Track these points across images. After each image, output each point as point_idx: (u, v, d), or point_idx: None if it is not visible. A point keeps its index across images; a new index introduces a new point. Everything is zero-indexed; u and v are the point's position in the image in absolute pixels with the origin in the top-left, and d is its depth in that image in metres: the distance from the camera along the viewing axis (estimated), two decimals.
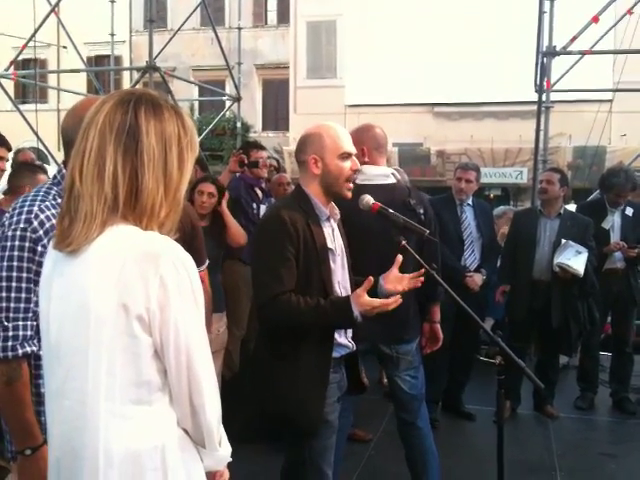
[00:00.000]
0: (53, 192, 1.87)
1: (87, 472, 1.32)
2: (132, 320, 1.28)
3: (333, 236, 2.60)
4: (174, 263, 1.30)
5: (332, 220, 2.62)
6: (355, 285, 2.58)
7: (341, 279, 2.60)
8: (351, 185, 2.58)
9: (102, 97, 1.43)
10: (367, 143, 3.27)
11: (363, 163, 3.07)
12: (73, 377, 1.33)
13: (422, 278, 2.47)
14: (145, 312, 1.28)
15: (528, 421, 5.02)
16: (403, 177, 3.83)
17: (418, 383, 3.30)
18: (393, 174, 3.26)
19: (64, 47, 12.70)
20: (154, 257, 1.29)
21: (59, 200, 1.80)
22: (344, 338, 2.61)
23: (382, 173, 3.23)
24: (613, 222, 5.22)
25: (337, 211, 2.64)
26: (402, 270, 2.53)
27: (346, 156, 2.55)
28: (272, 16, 23.07)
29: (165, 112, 1.39)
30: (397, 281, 2.47)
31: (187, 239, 3.21)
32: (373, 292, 2.42)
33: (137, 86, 8.81)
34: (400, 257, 2.47)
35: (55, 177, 1.93)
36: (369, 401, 4.57)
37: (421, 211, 3.16)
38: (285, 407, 2.47)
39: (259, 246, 2.56)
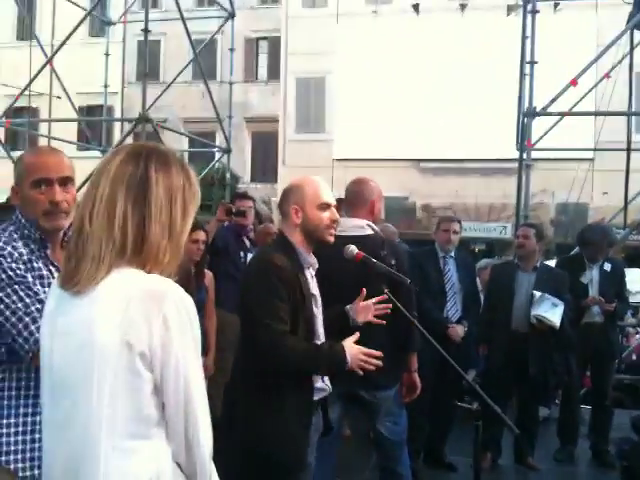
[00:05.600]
0: (11, 228, 2.07)
1: None
2: (135, 357, 1.37)
3: (314, 283, 2.72)
4: (176, 304, 1.40)
5: (311, 269, 2.73)
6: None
7: (320, 325, 2.71)
8: (333, 232, 2.70)
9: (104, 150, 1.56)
10: (346, 197, 3.51)
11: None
12: (76, 411, 1.41)
13: (390, 305, 2.60)
14: (147, 350, 1.37)
15: (508, 472, 5.06)
16: (388, 230, 3.97)
17: (399, 429, 3.37)
18: (369, 225, 3.40)
19: (58, 97, 12.91)
20: (158, 298, 1.39)
21: (15, 236, 2.02)
22: (321, 382, 2.68)
23: (356, 225, 3.37)
24: (592, 277, 5.37)
25: (315, 261, 2.75)
26: (380, 318, 2.69)
27: (325, 206, 2.67)
28: (262, 71, 23.65)
29: (173, 166, 1.52)
30: (366, 311, 2.61)
31: (184, 283, 3.32)
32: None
33: (129, 137, 9.00)
34: (364, 290, 2.64)
35: (11, 218, 2.12)
36: (354, 451, 4.61)
37: (392, 262, 3.24)
38: (270, 447, 2.51)
39: (254, 288, 2.61)
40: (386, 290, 2.67)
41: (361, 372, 2.51)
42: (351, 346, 2.49)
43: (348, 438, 4.67)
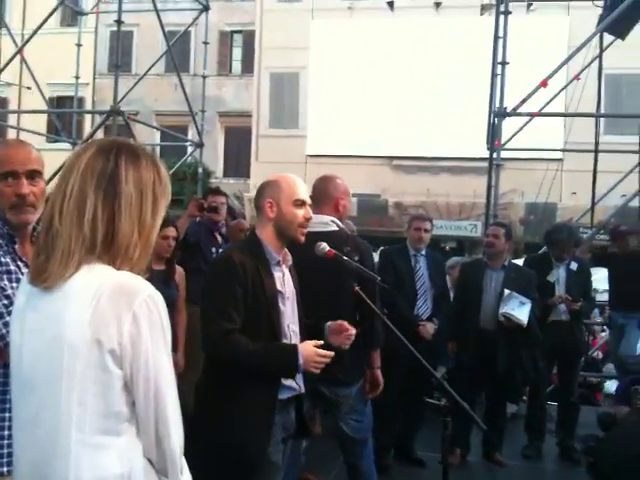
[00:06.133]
0: None
1: None
2: (105, 354, 1.36)
3: (283, 280, 2.71)
4: (146, 301, 1.40)
5: (283, 265, 2.73)
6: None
7: (291, 322, 2.70)
8: (304, 230, 2.72)
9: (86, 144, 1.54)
10: (313, 193, 3.48)
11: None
12: (45, 407, 1.40)
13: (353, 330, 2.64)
14: (117, 347, 1.37)
15: (477, 468, 5.13)
16: (348, 226, 4.02)
17: (362, 427, 3.39)
18: (334, 221, 3.43)
19: (28, 88, 12.72)
20: (128, 295, 1.39)
21: None
22: (290, 380, 2.68)
23: (321, 221, 3.38)
24: (558, 276, 5.46)
25: (289, 257, 2.76)
26: (347, 315, 2.69)
27: (300, 203, 2.70)
28: (237, 65, 23.51)
29: (143, 161, 1.51)
30: (338, 334, 2.65)
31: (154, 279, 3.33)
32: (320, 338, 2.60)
33: (100, 129, 8.91)
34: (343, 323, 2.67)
35: None
36: (324, 446, 4.62)
37: (356, 258, 3.25)
38: (228, 446, 2.52)
39: (208, 286, 2.68)
40: (357, 287, 2.69)
41: (317, 371, 2.53)
42: (307, 348, 2.50)
43: (318, 434, 4.69)
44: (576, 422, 5.52)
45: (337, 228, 3.42)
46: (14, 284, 1.92)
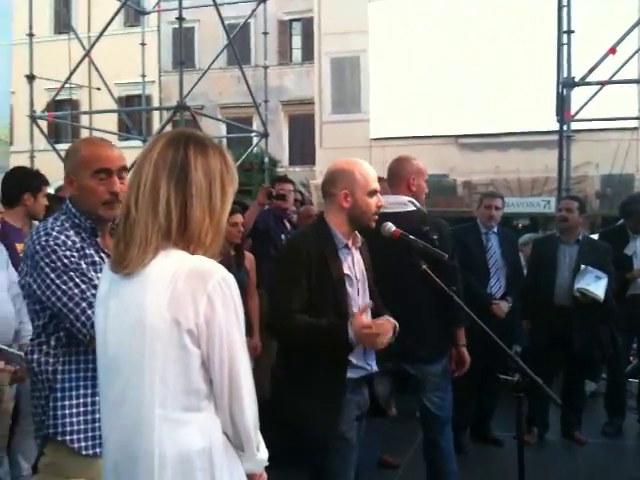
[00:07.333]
0: (62, 217, 2.15)
1: (143, 473, 1.47)
2: (183, 334, 1.44)
3: (353, 263, 2.74)
4: (220, 283, 1.46)
5: (353, 248, 2.76)
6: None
7: (361, 304, 2.72)
8: (376, 217, 2.75)
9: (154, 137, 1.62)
10: (388, 175, 3.56)
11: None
12: (131, 386, 1.49)
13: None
14: (194, 327, 1.44)
15: (555, 447, 5.05)
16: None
17: (445, 405, 3.41)
18: (411, 201, 3.43)
19: (98, 89, 13.14)
20: (202, 277, 1.45)
21: (66, 225, 2.09)
22: (362, 361, 2.71)
23: (398, 201, 3.40)
24: (636, 248, 5.29)
25: (359, 238, 2.78)
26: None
27: (374, 193, 2.72)
28: (297, 54, 23.59)
29: (210, 150, 1.58)
30: (363, 333, 2.53)
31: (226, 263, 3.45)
32: None
33: (168, 125, 9.13)
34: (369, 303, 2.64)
35: (62, 207, 2.20)
36: (400, 427, 4.64)
37: (435, 237, 3.28)
38: (302, 425, 2.60)
39: (274, 271, 2.78)
40: (425, 266, 2.69)
41: (380, 347, 2.54)
42: (357, 321, 2.50)
43: (393, 416, 4.72)
44: None
45: (414, 208, 3.43)
46: (99, 274, 2.03)
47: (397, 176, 3.54)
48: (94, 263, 2.11)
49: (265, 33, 12.01)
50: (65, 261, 2.03)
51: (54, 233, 2.06)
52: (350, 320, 2.53)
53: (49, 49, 14.45)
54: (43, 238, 2.04)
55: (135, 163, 1.60)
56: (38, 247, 2.03)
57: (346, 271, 2.69)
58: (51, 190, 4.61)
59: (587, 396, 5.46)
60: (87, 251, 2.11)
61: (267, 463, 1.66)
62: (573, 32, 7.25)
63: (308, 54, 22.48)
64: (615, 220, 7.04)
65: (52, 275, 2.01)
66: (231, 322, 1.48)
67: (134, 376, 1.48)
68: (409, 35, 18.91)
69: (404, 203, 3.41)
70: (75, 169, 2.15)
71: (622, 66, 7.36)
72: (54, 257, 2.02)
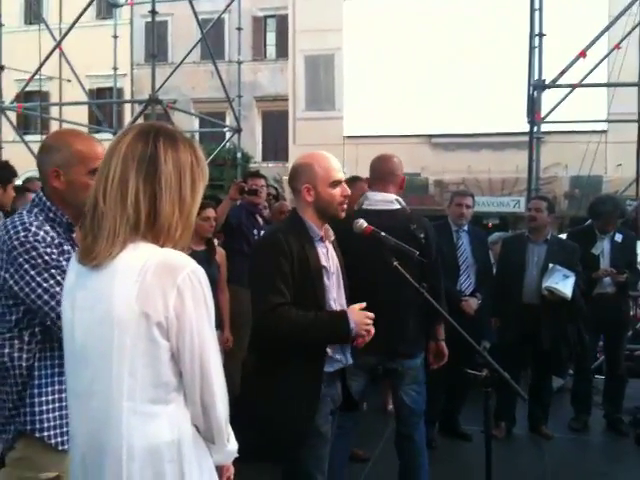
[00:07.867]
0: (35, 210, 2.09)
1: (111, 465, 1.46)
2: (152, 327, 1.43)
3: (327, 256, 2.75)
4: (189, 276, 1.46)
5: (327, 241, 2.78)
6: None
7: (337, 296, 2.75)
8: (345, 207, 2.75)
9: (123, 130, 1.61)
10: (375, 172, 3.56)
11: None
12: (98, 379, 1.48)
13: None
14: (164, 320, 1.44)
15: (523, 441, 5.13)
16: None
17: (420, 399, 3.46)
18: (397, 200, 3.45)
19: (68, 80, 12.97)
20: (172, 270, 1.45)
21: (40, 218, 2.05)
22: (340, 353, 2.73)
23: (385, 199, 3.42)
24: (603, 248, 5.38)
25: (331, 233, 2.80)
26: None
27: (336, 183, 2.72)
28: (271, 50, 23.54)
29: (180, 144, 1.57)
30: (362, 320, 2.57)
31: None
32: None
33: (139, 118, 9.05)
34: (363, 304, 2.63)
35: (34, 200, 2.14)
36: (369, 421, 4.68)
37: (421, 235, 3.33)
38: (276, 418, 2.57)
39: (256, 263, 2.73)
40: (395, 262, 2.71)
41: (368, 337, 2.56)
42: (355, 312, 2.54)
43: (363, 410, 4.75)
44: (623, 395, 5.47)
45: (400, 206, 3.46)
46: None
47: (390, 174, 3.53)
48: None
49: (239, 29, 11.98)
50: (46, 258, 2.00)
51: (33, 229, 2.01)
52: (347, 310, 2.57)
53: (19, 40, 14.21)
54: (22, 234, 2.00)
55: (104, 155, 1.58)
56: (16, 243, 1.99)
57: (324, 263, 2.71)
58: (18, 181, 4.55)
59: (554, 392, 5.54)
60: (65, 247, 2.08)
61: (237, 455, 1.66)
62: (544, 35, 7.33)
63: (282, 51, 22.46)
64: (583, 221, 7.17)
65: (32, 272, 1.98)
66: (201, 315, 1.48)
67: (102, 368, 1.47)
68: (384, 34, 18.99)
69: (391, 201, 3.44)
70: (66, 163, 2.09)
71: (592, 70, 7.46)
72: (34, 254, 1.98)
